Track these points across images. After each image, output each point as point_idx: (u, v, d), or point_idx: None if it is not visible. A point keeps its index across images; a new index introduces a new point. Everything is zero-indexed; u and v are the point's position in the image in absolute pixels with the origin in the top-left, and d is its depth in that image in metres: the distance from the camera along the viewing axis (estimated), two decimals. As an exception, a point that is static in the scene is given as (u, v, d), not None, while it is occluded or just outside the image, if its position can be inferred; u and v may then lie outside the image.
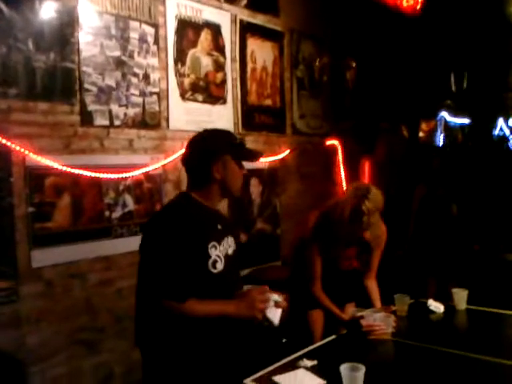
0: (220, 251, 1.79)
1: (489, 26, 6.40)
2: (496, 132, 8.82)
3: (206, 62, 3.64)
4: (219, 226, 1.87)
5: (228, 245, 1.86)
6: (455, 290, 2.79)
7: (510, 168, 6.06)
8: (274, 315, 1.77)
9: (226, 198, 1.94)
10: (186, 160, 1.89)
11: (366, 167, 5.21)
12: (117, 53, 3.10)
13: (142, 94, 3.24)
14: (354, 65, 5.32)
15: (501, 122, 8.92)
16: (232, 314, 1.74)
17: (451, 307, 2.76)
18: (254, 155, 2.00)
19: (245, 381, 1.92)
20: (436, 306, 2.74)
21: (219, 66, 3.74)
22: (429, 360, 2.13)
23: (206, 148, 1.85)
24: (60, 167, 2.80)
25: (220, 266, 1.77)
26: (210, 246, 1.76)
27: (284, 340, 3.21)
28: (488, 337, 2.44)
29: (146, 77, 3.26)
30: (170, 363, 1.73)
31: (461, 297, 2.76)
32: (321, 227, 2.65)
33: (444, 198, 4.59)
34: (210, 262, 1.75)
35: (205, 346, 1.74)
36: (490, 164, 6.29)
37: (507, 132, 8.92)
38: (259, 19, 4.13)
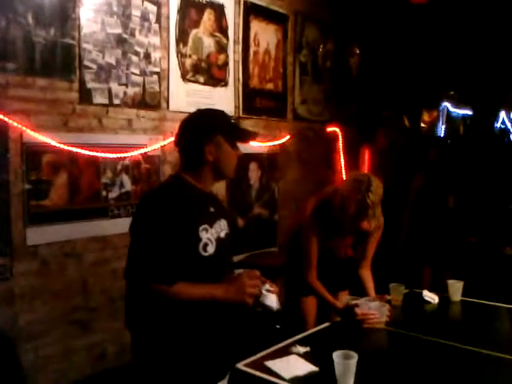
0: (211, 234, 1.77)
1: (496, 18, 6.33)
2: (498, 125, 8.79)
3: (209, 43, 3.59)
4: (212, 209, 1.84)
5: (220, 228, 1.83)
6: (450, 282, 2.79)
7: (510, 161, 6.04)
8: (271, 301, 1.76)
9: (220, 179, 1.90)
10: (178, 141, 1.86)
11: (366, 155, 5.18)
12: (118, 30, 3.05)
13: (143, 73, 3.20)
14: (357, 51, 5.27)
15: (503, 114, 8.88)
16: (221, 298, 1.72)
17: (446, 298, 2.76)
18: (248, 136, 1.96)
19: (237, 365, 1.92)
20: (431, 297, 2.75)
21: (221, 48, 3.69)
22: (422, 350, 2.13)
23: (198, 129, 1.81)
24: (57, 145, 2.77)
25: (211, 249, 1.75)
26: (200, 228, 1.73)
27: (278, 326, 3.22)
28: (481, 329, 2.44)
29: (147, 56, 3.22)
30: (159, 345, 1.72)
31: (456, 288, 2.76)
32: (319, 215, 2.63)
33: (441, 189, 4.58)
34: (201, 244, 1.73)
35: (194, 328, 1.73)
36: (490, 157, 6.27)
37: (509, 125, 8.89)
38: (263, 0, 4.07)
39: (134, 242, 1.73)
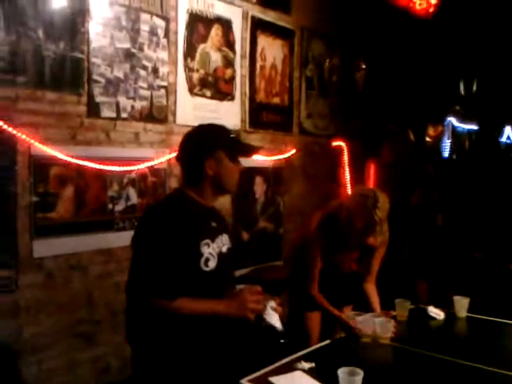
0: (213, 249, 1.77)
1: (500, 33, 6.35)
2: (503, 140, 8.78)
3: (216, 58, 3.62)
4: (213, 224, 1.84)
5: (222, 243, 1.83)
6: (456, 298, 2.77)
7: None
8: (275, 320, 1.76)
9: (222, 194, 1.90)
10: (179, 156, 1.87)
11: (372, 170, 5.19)
12: (126, 45, 3.09)
13: (150, 87, 3.23)
14: (363, 66, 5.29)
15: (508, 130, 8.88)
16: (222, 313, 1.71)
17: (452, 314, 2.75)
18: (250, 150, 1.96)
19: (241, 381, 1.91)
20: (436, 313, 2.73)
21: (228, 62, 3.72)
22: (427, 367, 2.12)
23: (198, 143, 1.82)
24: (65, 158, 2.79)
25: (212, 264, 1.75)
26: (202, 243, 1.74)
27: (282, 341, 3.20)
28: (487, 346, 2.42)
29: (155, 70, 3.25)
30: (159, 360, 1.71)
31: (462, 304, 2.75)
32: (325, 229, 2.63)
33: (433, 206, 4.57)
34: (202, 259, 1.73)
35: (195, 344, 1.72)
36: (496, 172, 6.26)
37: (514, 140, 8.88)
38: (270, 16, 4.11)
39: (136, 255, 1.73)
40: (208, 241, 1.76)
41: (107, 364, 3.07)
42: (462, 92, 7.26)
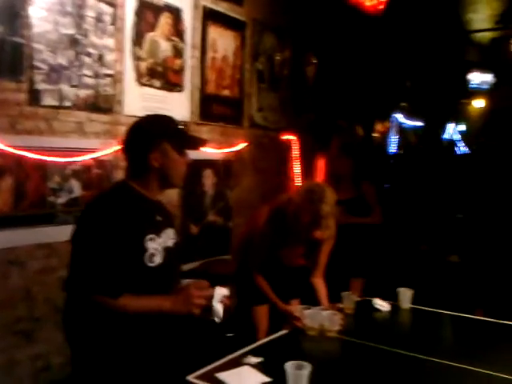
0: (159, 244, 1.73)
1: (446, 33, 6.55)
2: (446, 136, 9.10)
3: (165, 47, 3.53)
4: (159, 218, 1.80)
5: (168, 237, 1.79)
6: (401, 290, 2.84)
7: (457, 172, 6.24)
8: (219, 310, 1.74)
9: (168, 187, 1.86)
10: (124, 147, 1.81)
11: (321, 164, 5.23)
12: (71, 30, 2.95)
13: (96, 75, 3.11)
14: (314, 61, 5.33)
15: (451, 127, 9.21)
16: (168, 309, 1.68)
17: (396, 306, 2.81)
18: (197, 142, 1.93)
19: (187, 378, 1.87)
20: (382, 305, 2.79)
21: (178, 52, 3.64)
22: (373, 358, 2.16)
23: (144, 135, 1.76)
24: (4, 148, 2.65)
25: (158, 259, 1.71)
26: (146, 238, 1.69)
27: (229, 335, 3.18)
28: (429, 336, 2.50)
29: (101, 58, 3.13)
30: (101, 360, 1.66)
31: (406, 296, 2.82)
32: (273, 223, 2.63)
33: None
34: (147, 255, 1.68)
35: (140, 342, 1.68)
36: (438, 167, 6.47)
37: (456, 137, 9.22)
38: (222, 6, 4.05)
39: (77, 251, 1.67)
40: (153, 235, 1.72)
41: (48, 362, 2.95)
42: (408, 89, 7.44)
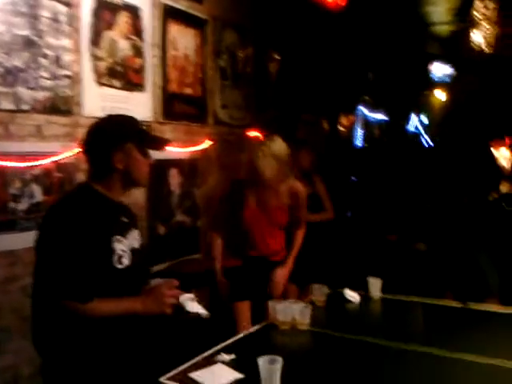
0: (125, 245, 1.71)
1: (406, 26, 6.64)
2: (410, 128, 9.26)
3: (124, 46, 3.47)
4: (124, 219, 1.78)
5: (134, 238, 1.78)
6: (370, 279, 2.86)
7: (422, 162, 6.36)
8: (198, 308, 1.74)
9: (131, 188, 1.85)
10: (85, 149, 1.77)
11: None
12: (25, 32, 2.87)
13: (53, 76, 3.04)
14: (277, 57, 5.33)
15: (414, 118, 9.38)
16: (140, 311, 1.66)
17: (367, 296, 2.83)
18: (160, 142, 1.92)
19: (160, 379, 1.84)
20: (352, 296, 2.80)
21: (138, 51, 3.58)
22: (345, 349, 2.16)
23: (107, 135, 1.74)
24: (-42, 154, 2.56)
25: (126, 260, 1.69)
26: (113, 240, 1.67)
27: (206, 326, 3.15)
28: (401, 324, 2.52)
29: (58, 59, 3.06)
30: (71, 366, 1.62)
31: (375, 286, 2.84)
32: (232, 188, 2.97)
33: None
34: (115, 257, 1.66)
35: (111, 346, 1.65)
36: (403, 158, 6.58)
37: (420, 128, 9.39)
38: (181, 4, 4.01)
39: (42, 258, 1.63)
40: (119, 237, 1.70)
41: (17, 373, 2.87)
42: (371, 83, 7.54)
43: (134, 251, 1.74)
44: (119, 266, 1.67)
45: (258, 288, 2.84)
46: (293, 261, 3.05)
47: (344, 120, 7.09)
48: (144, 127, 1.87)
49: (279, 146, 2.87)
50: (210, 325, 2.71)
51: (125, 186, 1.79)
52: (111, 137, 1.74)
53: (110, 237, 1.67)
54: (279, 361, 1.72)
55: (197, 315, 1.74)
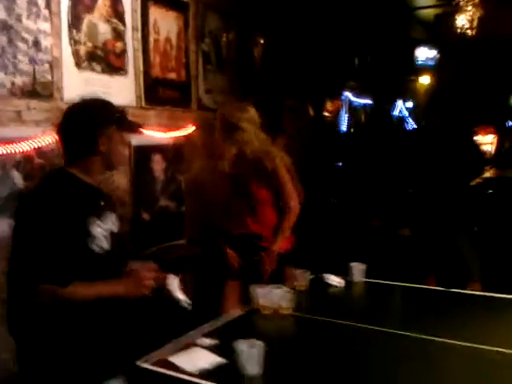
0: (104, 229, 1.70)
1: (391, 11, 6.62)
2: (395, 113, 9.28)
3: (105, 30, 3.41)
4: (102, 203, 1.78)
5: (112, 222, 1.78)
6: (353, 264, 2.87)
7: (407, 147, 6.37)
8: (182, 295, 1.76)
9: (110, 170, 1.87)
10: (65, 131, 1.76)
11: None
12: (2, 15, 2.81)
13: (32, 61, 2.98)
14: (261, 41, 5.29)
15: (400, 103, 9.39)
16: (119, 294, 1.68)
17: (349, 281, 2.85)
18: (136, 126, 1.95)
19: (138, 362, 1.84)
20: (335, 280, 2.81)
21: (119, 35, 3.52)
22: (328, 333, 2.18)
23: (91, 118, 1.73)
24: None
25: (105, 244, 1.69)
26: (92, 224, 1.67)
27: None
28: (383, 308, 2.55)
29: (36, 43, 3.00)
30: (48, 352, 1.62)
31: (359, 270, 2.86)
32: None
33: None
34: (94, 241, 1.66)
35: (88, 330, 1.65)
36: (390, 144, 6.58)
37: (405, 113, 9.42)
38: (163, -13, 3.95)
39: (19, 244, 1.62)
40: (98, 221, 1.69)
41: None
42: (357, 67, 7.52)
43: (112, 235, 1.75)
44: (98, 250, 1.68)
45: (247, 269, 2.82)
46: (276, 246, 2.94)
47: (329, 105, 7.08)
48: (122, 111, 1.87)
49: (246, 112, 2.97)
50: (193, 309, 2.72)
51: (104, 168, 1.80)
52: (97, 119, 1.74)
53: (88, 221, 1.67)
54: (259, 345, 1.73)
55: (178, 301, 1.75)
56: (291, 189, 2.97)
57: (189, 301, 1.79)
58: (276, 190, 2.96)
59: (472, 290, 2.94)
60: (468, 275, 3.80)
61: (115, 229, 1.79)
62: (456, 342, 2.00)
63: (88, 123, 1.74)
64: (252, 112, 3.03)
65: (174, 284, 1.77)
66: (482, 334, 2.08)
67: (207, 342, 1.99)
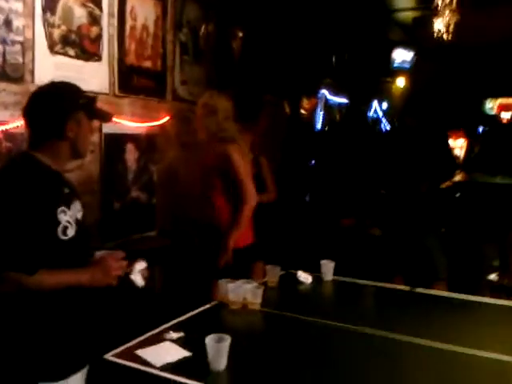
0: (70, 216, 1.67)
1: (370, 11, 6.66)
2: (371, 114, 9.35)
3: (80, 14, 3.32)
4: (66, 190, 1.74)
5: (77, 209, 1.74)
6: (323, 262, 2.88)
7: (380, 148, 6.44)
8: (137, 277, 1.78)
9: (74, 159, 1.82)
10: (32, 113, 1.70)
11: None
12: (-29, -8, 2.72)
13: (3, 42, 2.88)
14: (240, 34, 5.25)
15: (375, 104, 9.47)
16: (87, 282, 1.65)
17: (319, 278, 2.86)
18: (106, 115, 1.92)
19: (105, 356, 1.81)
20: (305, 277, 2.82)
21: (94, 20, 3.44)
22: (296, 329, 2.18)
23: (61, 101, 1.69)
24: None
25: (71, 231, 1.66)
26: (58, 211, 1.63)
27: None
28: (351, 306, 2.57)
29: (8, 23, 2.90)
30: (13, 342, 1.58)
31: (328, 268, 2.87)
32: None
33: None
34: (60, 228, 1.62)
35: (54, 320, 1.62)
36: (363, 144, 6.64)
37: (380, 114, 9.50)
38: (141, -27, 3.87)
39: None
40: (64, 208, 1.65)
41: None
42: (334, 65, 7.55)
43: (78, 222, 1.71)
44: (64, 238, 1.64)
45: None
46: (228, 241, 2.90)
47: (306, 103, 7.09)
48: (91, 96, 1.83)
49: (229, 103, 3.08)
50: (161, 303, 2.69)
51: (71, 155, 1.76)
52: (66, 104, 1.70)
53: (55, 207, 1.63)
54: (227, 339, 1.72)
55: (132, 282, 1.75)
56: (248, 183, 2.98)
57: (143, 284, 1.78)
58: (233, 182, 2.96)
59: (438, 289, 2.98)
60: (435, 274, 3.87)
61: (79, 216, 1.75)
62: (420, 341, 2.03)
63: (57, 106, 1.69)
64: (229, 102, 3.11)
65: (137, 267, 1.77)
66: (446, 334, 2.11)
67: (175, 335, 1.97)
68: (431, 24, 5.67)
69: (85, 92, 1.83)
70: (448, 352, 1.95)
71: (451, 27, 5.38)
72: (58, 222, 1.63)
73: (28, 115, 1.72)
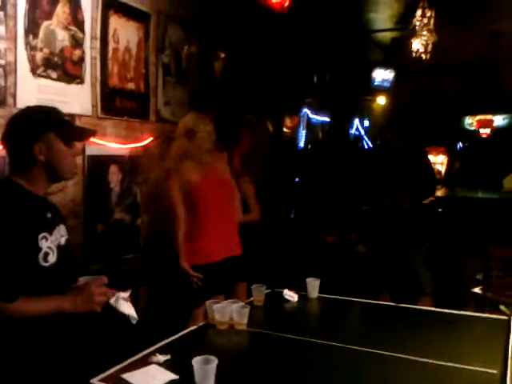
0: (52, 242, 1.65)
1: (350, 32, 6.79)
2: (352, 131, 9.48)
3: (63, 37, 3.33)
4: (49, 215, 1.72)
5: (60, 234, 1.72)
6: (309, 280, 2.88)
7: (363, 165, 6.51)
8: (129, 309, 1.71)
9: (56, 181, 1.80)
10: (5, 141, 1.70)
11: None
12: (-47, 16, 2.71)
13: (-15, 65, 2.88)
14: (222, 55, 5.31)
15: (357, 122, 9.61)
16: (68, 309, 1.61)
17: (305, 296, 2.86)
18: (84, 133, 1.91)
19: (91, 380, 1.78)
20: (290, 295, 2.82)
21: (77, 43, 3.45)
22: (282, 348, 2.17)
23: (26, 126, 1.68)
24: None
25: (52, 258, 1.63)
26: (40, 237, 1.60)
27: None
28: (338, 323, 2.57)
29: (-10, 46, 2.90)
30: None
31: (313, 286, 2.87)
32: None
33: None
34: (41, 254, 1.59)
35: (37, 347, 1.59)
36: (346, 161, 6.71)
37: (362, 132, 9.64)
38: (124, -4, 3.91)
39: None
40: (45, 234, 1.63)
41: None
42: (316, 85, 7.65)
43: (59, 248, 1.69)
44: (45, 264, 1.62)
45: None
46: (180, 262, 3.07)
47: (288, 121, 7.16)
48: (66, 117, 1.82)
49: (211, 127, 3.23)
50: (147, 325, 2.66)
51: (48, 178, 1.73)
52: (31, 127, 1.68)
53: (37, 234, 1.60)
54: (214, 361, 1.70)
55: (126, 316, 1.72)
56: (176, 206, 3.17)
57: (136, 316, 1.74)
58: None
59: (424, 304, 3.00)
60: (420, 289, 3.90)
61: (63, 241, 1.73)
62: (407, 356, 2.03)
63: (22, 132, 1.68)
64: (211, 126, 3.18)
65: (119, 301, 1.72)
66: (431, 349, 2.11)
67: (161, 358, 1.95)
68: (410, 44, 5.79)
69: (61, 114, 1.80)
70: (434, 366, 1.96)
71: (429, 47, 5.50)
72: (39, 249, 1.60)
73: (3, 141, 1.72)
